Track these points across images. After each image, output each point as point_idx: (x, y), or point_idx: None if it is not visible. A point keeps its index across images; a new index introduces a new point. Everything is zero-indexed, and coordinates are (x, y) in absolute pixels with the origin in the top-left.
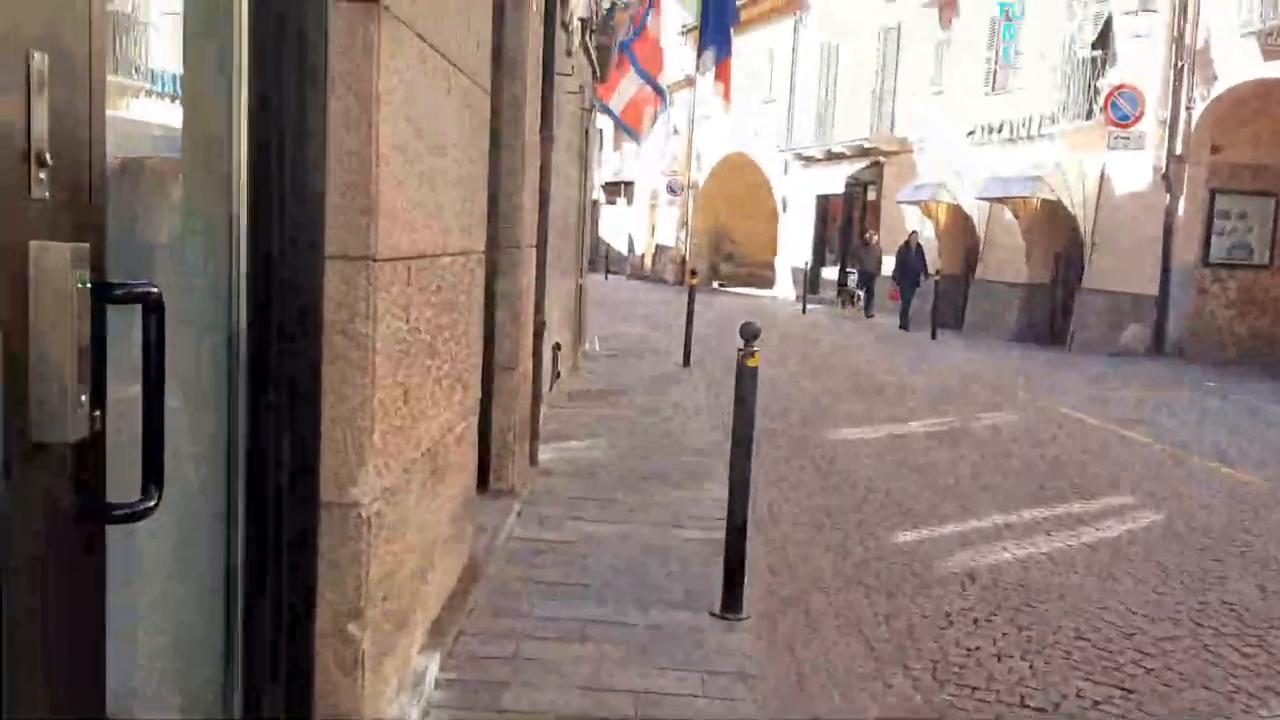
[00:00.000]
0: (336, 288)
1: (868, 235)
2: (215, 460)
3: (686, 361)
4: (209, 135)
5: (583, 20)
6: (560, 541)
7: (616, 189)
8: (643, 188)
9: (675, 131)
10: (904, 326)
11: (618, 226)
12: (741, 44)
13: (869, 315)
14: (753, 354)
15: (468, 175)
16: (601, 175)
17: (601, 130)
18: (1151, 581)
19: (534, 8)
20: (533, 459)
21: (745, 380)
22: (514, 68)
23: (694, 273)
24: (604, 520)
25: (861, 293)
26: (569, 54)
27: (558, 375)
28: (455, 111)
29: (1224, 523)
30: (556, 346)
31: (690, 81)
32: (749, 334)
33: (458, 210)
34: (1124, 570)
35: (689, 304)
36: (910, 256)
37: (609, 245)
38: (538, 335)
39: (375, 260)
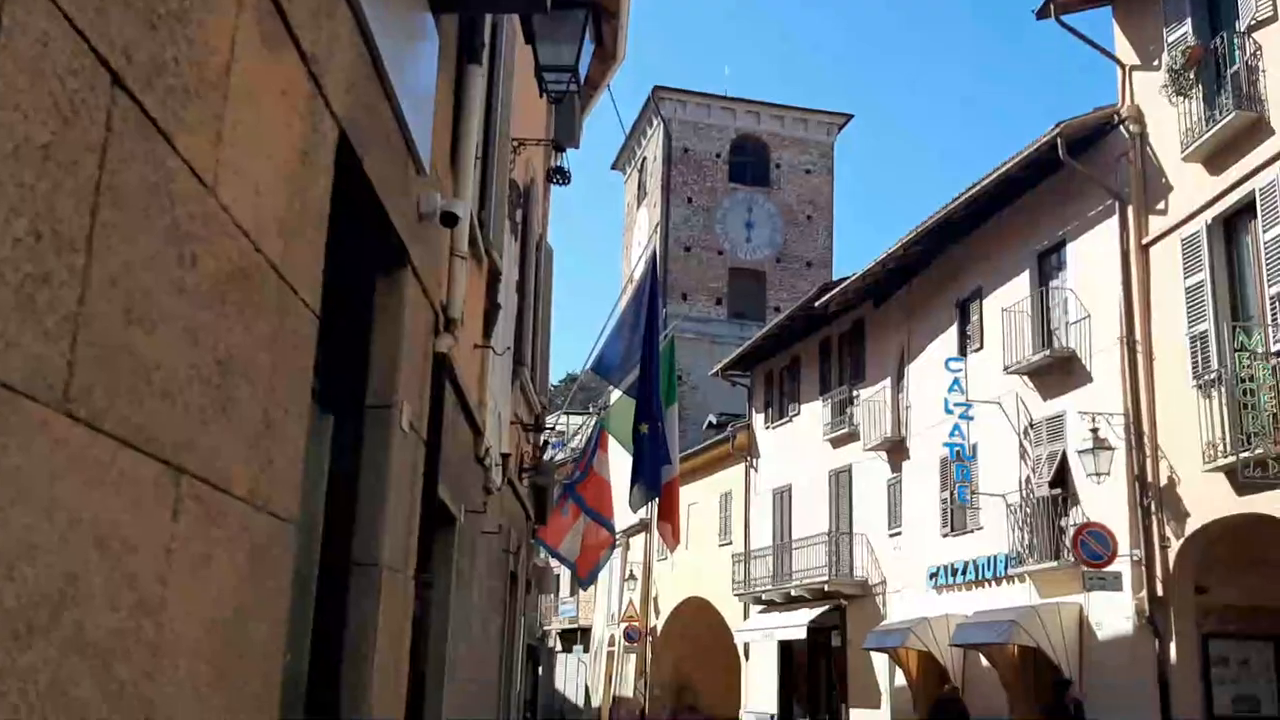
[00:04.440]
0: None
1: (949, 687)
2: None
3: None
4: None
5: (506, 455)
6: None
7: (573, 636)
8: (600, 634)
9: (632, 576)
10: None
11: (574, 676)
12: (696, 489)
13: None
14: None
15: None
16: (558, 622)
17: (559, 575)
18: None
19: (402, 425)
20: None
21: None
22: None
23: None
24: None
25: None
26: (488, 491)
27: None
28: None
29: None
30: None
31: (645, 526)
32: None
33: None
34: None
35: None
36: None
37: (565, 698)
38: None
39: None
